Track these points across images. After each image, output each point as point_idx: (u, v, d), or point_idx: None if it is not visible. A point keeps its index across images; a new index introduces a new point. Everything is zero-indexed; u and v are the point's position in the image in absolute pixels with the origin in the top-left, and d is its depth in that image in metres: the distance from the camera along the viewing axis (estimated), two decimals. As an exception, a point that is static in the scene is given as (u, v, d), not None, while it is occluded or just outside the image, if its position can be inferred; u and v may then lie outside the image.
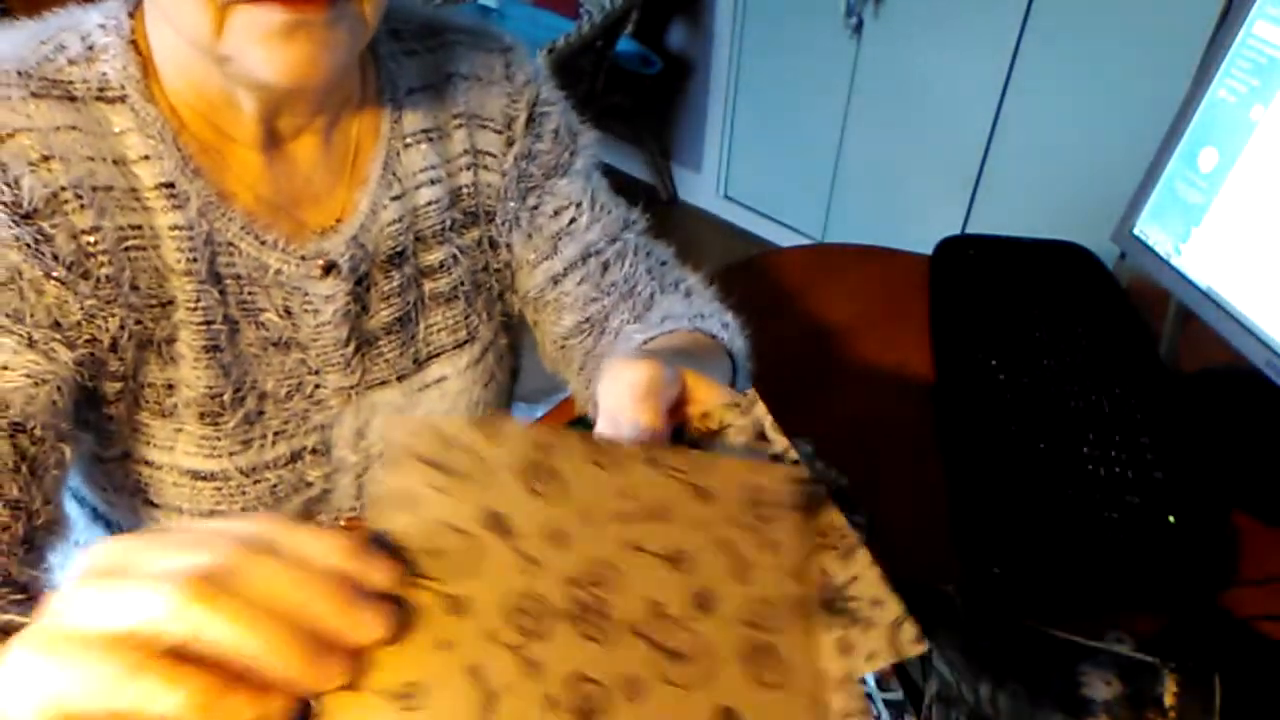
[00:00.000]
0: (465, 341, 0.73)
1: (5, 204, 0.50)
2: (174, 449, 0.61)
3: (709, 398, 0.45)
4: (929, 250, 1.06)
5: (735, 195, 2.84)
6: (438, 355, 0.72)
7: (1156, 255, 0.87)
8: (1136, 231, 0.90)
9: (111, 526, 0.69)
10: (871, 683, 0.61)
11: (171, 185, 0.56)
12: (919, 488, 0.79)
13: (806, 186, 2.61)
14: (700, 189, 2.92)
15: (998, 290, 0.98)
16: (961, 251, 1.04)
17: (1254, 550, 0.75)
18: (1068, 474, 0.77)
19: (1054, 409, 0.83)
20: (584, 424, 0.80)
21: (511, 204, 0.72)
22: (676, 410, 0.44)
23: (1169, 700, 0.61)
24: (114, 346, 0.56)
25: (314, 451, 0.67)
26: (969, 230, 2.22)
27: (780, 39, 2.48)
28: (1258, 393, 0.82)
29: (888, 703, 0.60)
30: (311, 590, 0.30)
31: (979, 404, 0.84)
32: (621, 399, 0.43)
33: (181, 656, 0.28)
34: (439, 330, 0.71)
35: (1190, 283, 0.84)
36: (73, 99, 0.54)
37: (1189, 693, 0.61)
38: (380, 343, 0.68)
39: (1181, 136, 0.85)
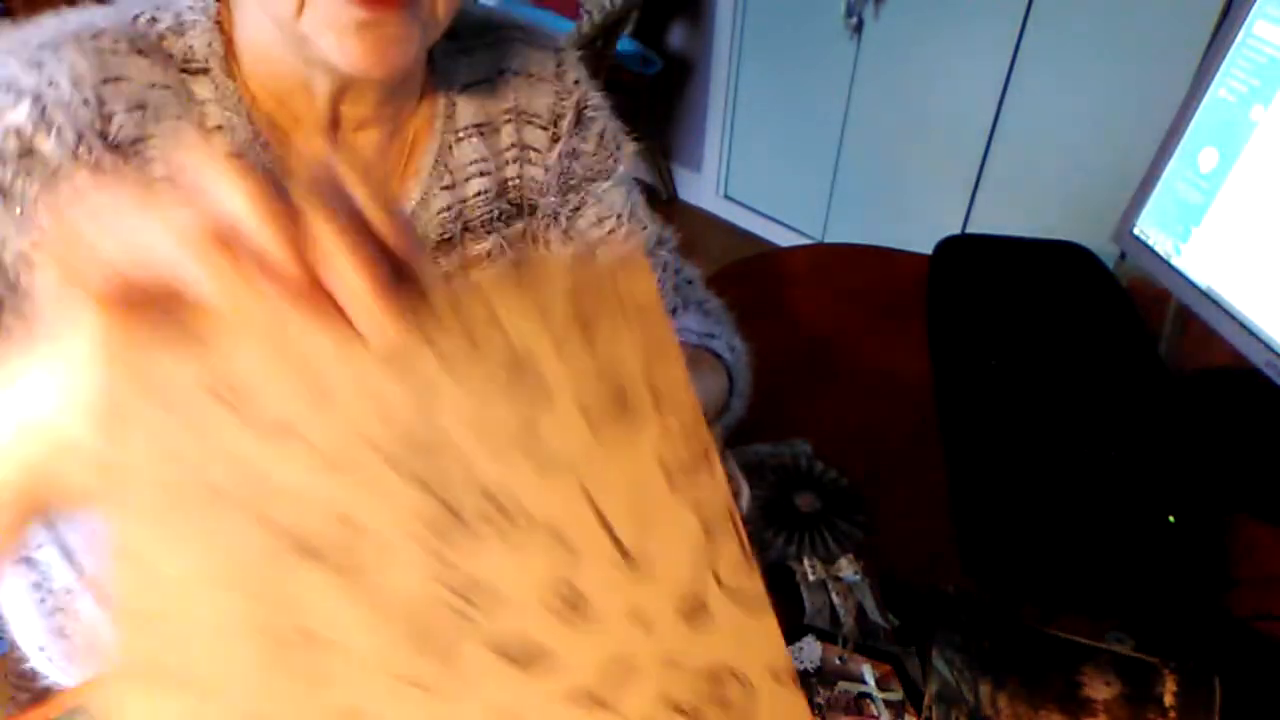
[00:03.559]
0: None
1: (96, 131, 0.55)
2: None
3: None
4: (929, 250, 1.06)
5: (735, 195, 2.84)
6: None
7: (1156, 255, 0.87)
8: (1136, 231, 0.90)
9: None
10: (871, 683, 0.61)
11: (241, 156, 0.60)
12: (919, 488, 0.79)
13: (806, 186, 2.60)
14: (700, 189, 2.92)
15: (998, 290, 0.98)
16: (961, 251, 1.04)
17: (1254, 550, 0.75)
18: (1068, 474, 0.77)
19: (1054, 409, 0.83)
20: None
21: (552, 199, 0.74)
22: None
23: (1169, 700, 0.61)
24: None
25: None
26: (969, 230, 2.22)
27: (780, 39, 2.48)
28: (1258, 393, 0.82)
29: (888, 703, 0.60)
30: (346, 239, 0.28)
31: (979, 404, 0.84)
32: None
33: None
34: None
35: (1190, 283, 0.84)
36: (166, 65, 0.59)
37: (1189, 693, 0.61)
38: None
39: (1181, 136, 0.85)
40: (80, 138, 0.54)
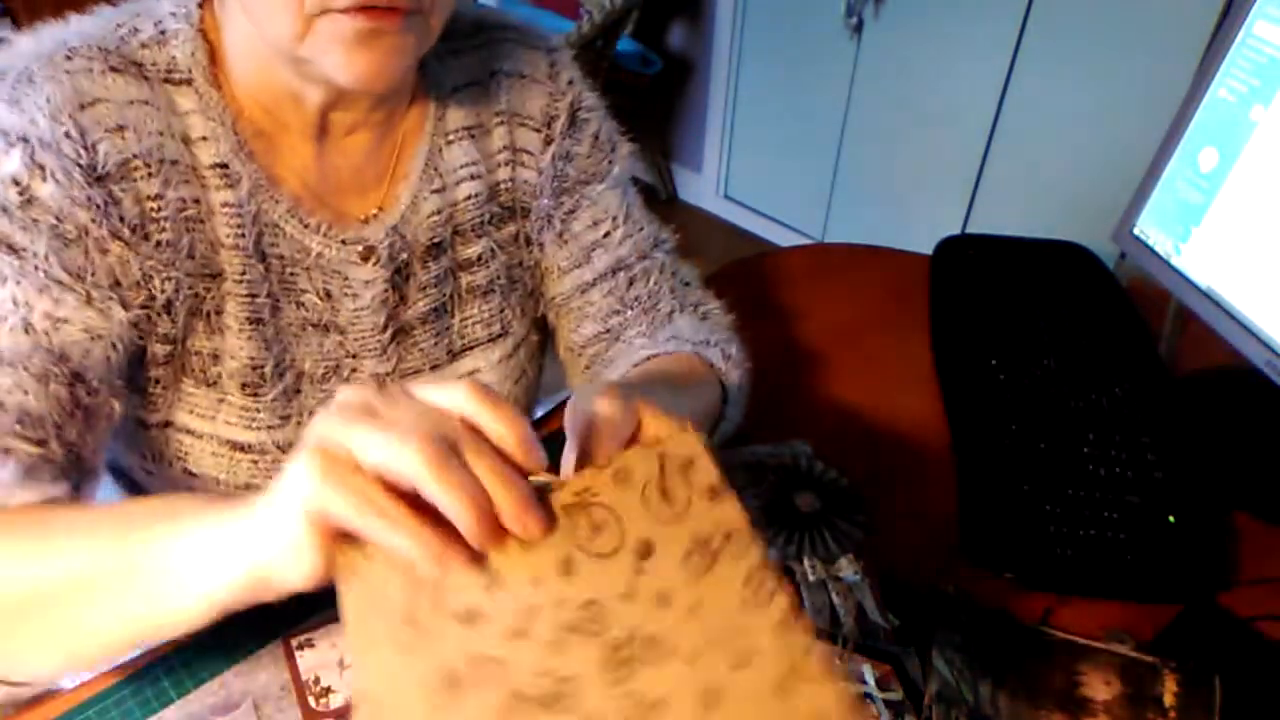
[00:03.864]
0: (499, 335, 0.74)
1: (81, 166, 0.54)
2: (215, 418, 0.64)
3: (658, 432, 0.48)
4: (929, 250, 1.06)
5: (735, 195, 2.84)
6: (472, 348, 0.73)
7: (1156, 255, 0.87)
8: (1136, 231, 0.90)
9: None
10: (871, 683, 0.61)
11: (226, 166, 0.60)
12: (919, 487, 0.79)
13: (806, 186, 2.60)
14: (700, 189, 2.92)
15: (998, 290, 0.98)
16: (961, 251, 1.04)
17: (1254, 550, 0.75)
18: (1068, 473, 0.77)
19: (1054, 409, 0.83)
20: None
21: (545, 201, 0.73)
22: (629, 444, 0.47)
23: (1169, 700, 0.61)
24: (168, 308, 0.59)
25: None
26: (969, 230, 2.21)
27: (780, 39, 2.48)
28: (1258, 393, 0.82)
29: (888, 703, 0.60)
30: (505, 482, 0.37)
31: (980, 404, 0.84)
32: (572, 436, 0.47)
33: (416, 502, 0.37)
34: (474, 323, 0.73)
35: (1190, 283, 0.84)
36: (145, 78, 0.58)
37: (1189, 693, 0.61)
38: (416, 332, 0.70)
39: (1181, 136, 0.85)
40: (70, 178, 0.53)
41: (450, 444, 0.37)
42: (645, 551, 0.40)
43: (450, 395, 0.38)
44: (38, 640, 0.49)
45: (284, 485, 0.38)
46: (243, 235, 0.60)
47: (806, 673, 0.39)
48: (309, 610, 0.64)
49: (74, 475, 0.55)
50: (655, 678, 0.39)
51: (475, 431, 0.38)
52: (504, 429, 0.38)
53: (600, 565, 0.40)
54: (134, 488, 0.71)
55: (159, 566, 0.44)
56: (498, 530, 0.38)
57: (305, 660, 0.62)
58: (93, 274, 0.55)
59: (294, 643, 0.63)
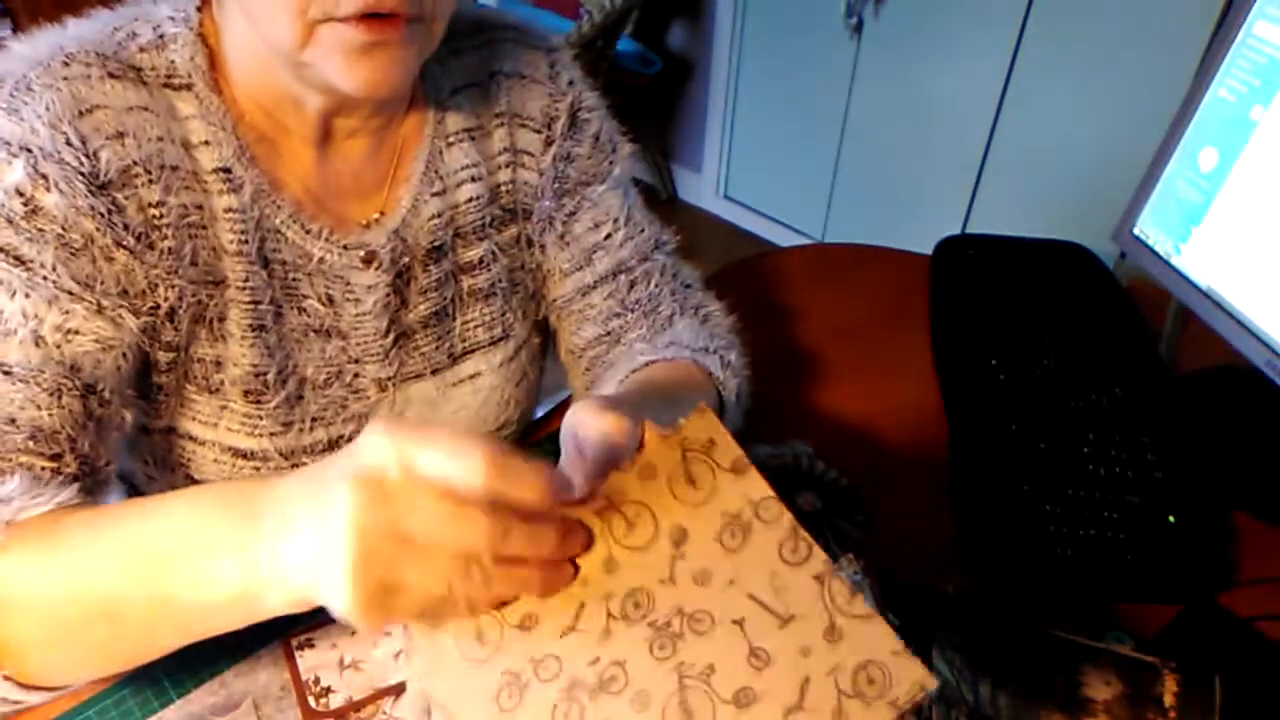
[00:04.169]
0: (500, 338, 0.74)
1: (84, 174, 0.53)
2: (218, 425, 0.64)
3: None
4: (929, 250, 1.06)
5: (735, 195, 2.84)
6: (473, 351, 0.73)
7: (1156, 255, 0.87)
8: (1136, 231, 0.90)
9: None
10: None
11: (228, 170, 0.59)
12: (919, 488, 0.79)
13: (806, 186, 2.60)
14: (700, 189, 2.92)
15: (998, 290, 0.98)
16: (961, 251, 1.04)
17: (1254, 550, 0.75)
18: (1068, 473, 0.77)
19: (1054, 409, 0.83)
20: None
21: (546, 203, 0.72)
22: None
23: (1169, 700, 0.61)
24: (171, 316, 0.59)
25: (351, 440, 0.68)
26: (969, 230, 2.21)
27: (780, 39, 2.48)
28: (1258, 393, 0.82)
29: (888, 703, 0.60)
30: (542, 541, 0.41)
31: (980, 404, 0.84)
32: (576, 454, 0.47)
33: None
34: (475, 326, 0.72)
35: (1190, 283, 0.84)
36: (144, 83, 0.57)
37: (1189, 693, 0.61)
38: (418, 336, 0.70)
39: (1181, 136, 0.85)
40: (74, 186, 0.53)
41: (494, 549, 0.39)
42: (680, 538, 0.43)
43: (467, 473, 0.38)
44: (71, 655, 0.49)
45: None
46: (246, 241, 0.60)
47: (852, 616, 0.41)
48: (309, 611, 0.64)
49: (88, 483, 0.55)
50: (702, 648, 0.41)
51: (503, 504, 0.39)
52: (527, 497, 0.39)
53: (639, 557, 0.43)
54: (135, 493, 0.71)
55: (195, 609, 0.44)
56: (550, 586, 0.42)
57: (305, 660, 0.62)
58: (101, 283, 0.55)
59: (294, 643, 0.63)
